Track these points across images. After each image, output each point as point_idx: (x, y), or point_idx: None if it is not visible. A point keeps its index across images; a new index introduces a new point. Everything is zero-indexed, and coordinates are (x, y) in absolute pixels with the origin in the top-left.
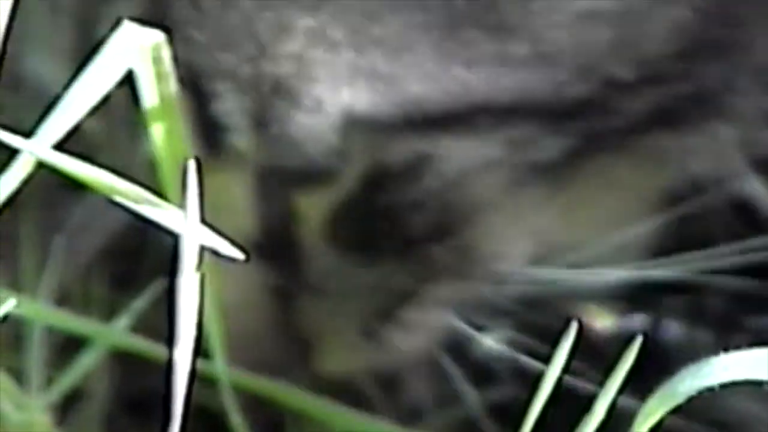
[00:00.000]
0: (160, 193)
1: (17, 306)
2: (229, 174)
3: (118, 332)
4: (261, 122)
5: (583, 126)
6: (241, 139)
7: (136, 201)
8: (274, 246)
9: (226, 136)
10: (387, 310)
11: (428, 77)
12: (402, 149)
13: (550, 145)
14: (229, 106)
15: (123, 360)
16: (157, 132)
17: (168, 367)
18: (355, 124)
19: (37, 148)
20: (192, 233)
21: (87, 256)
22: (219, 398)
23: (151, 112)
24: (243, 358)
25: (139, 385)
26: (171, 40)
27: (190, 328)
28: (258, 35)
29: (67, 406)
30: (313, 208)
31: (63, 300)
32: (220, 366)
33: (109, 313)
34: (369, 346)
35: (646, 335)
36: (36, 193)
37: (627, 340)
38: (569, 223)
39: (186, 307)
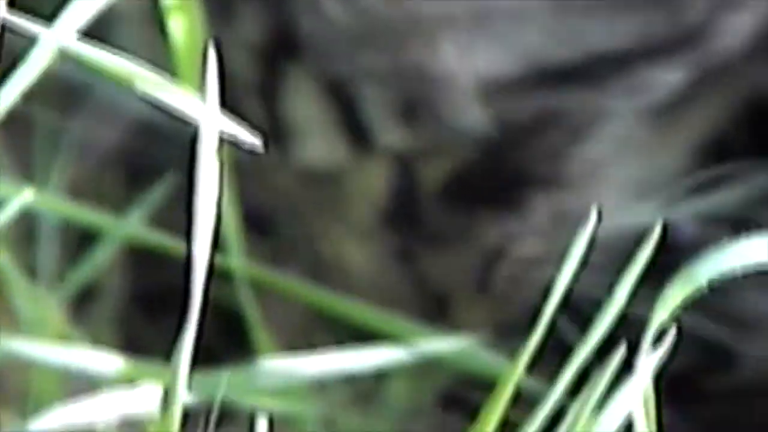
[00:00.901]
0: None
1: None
2: (372, 167)
3: (131, 225)
4: (401, 112)
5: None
6: (384, 132)
7: (155, 88)
8: (400, 213)
9: (375, 136)
10: (485, 266)
11: (547, 31)
12: (527, 106)
13: (664, 85)
14: (369, 103)
15: (138, 255)
16: (176, 21)
17: (186, 262)
18: (484, 90)
19: (58, 36)
20: (211, 119)
21: (102, 149)
22: (236, 294)
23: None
24: None
25: (154, 280)
26: (304, 54)
27: (208, 219)
28: (386, 28)
29: (81, 303)
30: (436, 174)
31: (76, 193)
32: (237, 260)
33: (123, 208)
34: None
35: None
36: (51, 82)
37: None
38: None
39: (204, 196)
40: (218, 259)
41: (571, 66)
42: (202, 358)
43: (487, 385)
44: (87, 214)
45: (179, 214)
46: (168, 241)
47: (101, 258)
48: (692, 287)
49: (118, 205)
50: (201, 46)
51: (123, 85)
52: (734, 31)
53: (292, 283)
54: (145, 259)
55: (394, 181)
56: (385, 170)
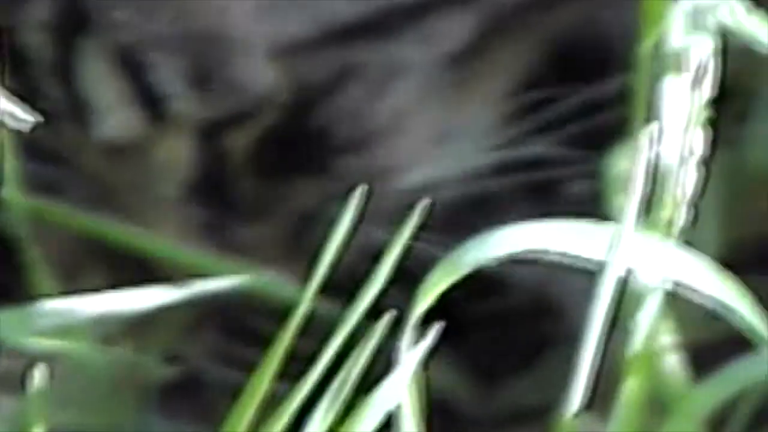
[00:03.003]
0: None
1: None
2: (173, 138)
3: None
4: (197, 80)
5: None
6: (181, 101)
7: None
8: (207, 186)
9: (167, 103)
10: (297, 232)
11: None
12: (325, 65)
13: (457, 32)
14: (164, 73)
15: None
16: None
17: None
18: (279, 52)
19: None
20: None
21: None
22: (15, 229)
23: None
24: None
25: None
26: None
27: None
28: None
29: None
30: (240, 142)
31: None
32: (14, 194)
33: None
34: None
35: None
36: None
37: None
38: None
39: None
40: None
41: (363, 20)
42: None
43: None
44: None
45: None
46: None
47: None
48: (454, 276)
49: None
50: None
51: None
52: None
53: (72, 213)
54: None
55: (197, 152)
56: (187, 141)
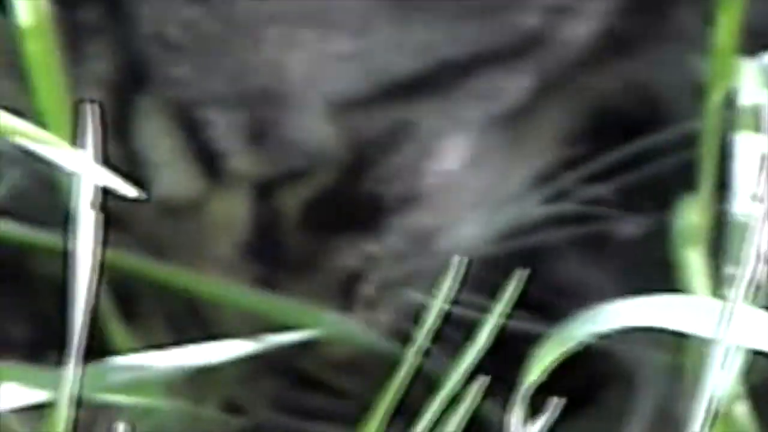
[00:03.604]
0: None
1: None
2: (228, 195)
3: None
4: (253, 136)
5: (538, 62)
6: (238, 158)
7: (33, 140)
8: (261, 242)
9: (223, 161)
10: (349, 289)
11: (391, 44)
12: (378, 122)
13: (510, 91)
14: (220, 130)
15: None
16: (32, 53)
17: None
18: (334, 109)
19: None
20: (90, 173)
21: None
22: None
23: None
24: None
25: None
26: (153, 83)
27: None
28: (232, 53)
29: None
30: (294, 199)
31: None
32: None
33: None
34: None
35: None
36: None
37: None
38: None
39: (83, 244)
40: None
41: (418, 77)
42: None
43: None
44: None
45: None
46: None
47: None
48: (562, 349)
49: None
50: (59, 87)
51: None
52: (570, 38)
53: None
54: None
55: (252, 209)
56: (242, 198)
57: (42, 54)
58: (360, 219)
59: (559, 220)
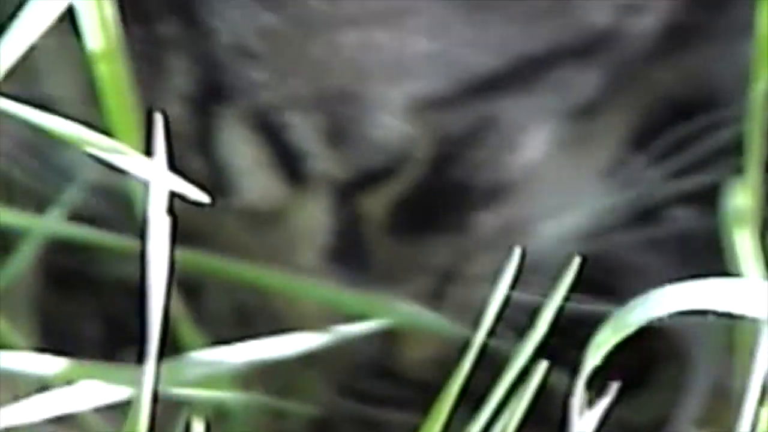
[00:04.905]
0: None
1: None
2: (311, 199)
3: (52, 222)
4: (335, 138)
5: (609, 57)
6: (319, 161)
7: (104, 150)
8: (345, 247)
9: (305, 163)
10: (437, 290)
11: (469, 42)
12: (460, 119)
13: (584, 84)
14: (302, 133)
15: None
16: (103, 76)
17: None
18: (415, 108)
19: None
20: (160, 179)
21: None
22: None
23: (94, 55)
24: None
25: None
26: (232, 90)
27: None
28: (310, 56)
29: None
30: (378, 201)
31: None
32: None
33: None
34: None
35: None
36: None
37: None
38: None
39: (156, 250)
40: None
41: (496, 73)
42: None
43: None
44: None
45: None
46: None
47: (25, 256)
48: (621, 333)
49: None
50: (131, 99)
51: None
52: (639, 33)
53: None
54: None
55: (335, 212)
56: (325, 202)
57: (113, 76)
58: (445, 217)
59: (630, 210)
